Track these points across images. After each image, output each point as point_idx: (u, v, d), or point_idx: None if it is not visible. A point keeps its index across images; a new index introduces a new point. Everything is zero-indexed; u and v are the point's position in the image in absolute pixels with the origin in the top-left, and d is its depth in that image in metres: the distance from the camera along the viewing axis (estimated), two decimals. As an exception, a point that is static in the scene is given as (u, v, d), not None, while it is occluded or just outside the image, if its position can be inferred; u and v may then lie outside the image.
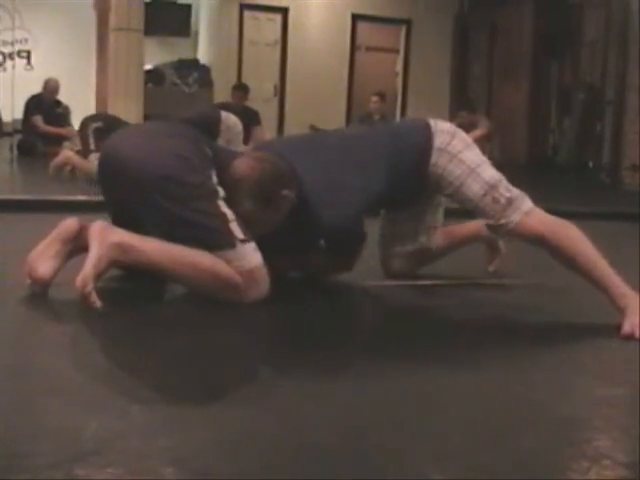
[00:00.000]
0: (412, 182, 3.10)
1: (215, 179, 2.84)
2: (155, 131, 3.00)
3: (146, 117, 6.34)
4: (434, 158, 3.04)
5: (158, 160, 2.81)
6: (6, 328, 2.61)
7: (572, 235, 2.85)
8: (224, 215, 2.78)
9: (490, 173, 3.03)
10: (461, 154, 3.05)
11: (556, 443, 1.78)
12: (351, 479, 1.54)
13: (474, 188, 2.97)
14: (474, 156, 3.07)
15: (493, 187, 2.97)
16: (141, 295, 3.00)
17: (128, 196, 2.85)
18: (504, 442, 1.76)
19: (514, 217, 2.92)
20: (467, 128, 9.21)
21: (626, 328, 2.59)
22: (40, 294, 2.83)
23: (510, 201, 2.94)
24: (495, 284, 3.51)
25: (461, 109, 9.90)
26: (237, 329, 2.69)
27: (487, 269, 3.62)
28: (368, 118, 10.40)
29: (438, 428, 1.84)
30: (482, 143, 9.27)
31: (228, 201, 2.81)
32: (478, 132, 9.16)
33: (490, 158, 10.45)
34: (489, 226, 3.03)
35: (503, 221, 2.93)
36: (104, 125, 6.26)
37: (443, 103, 13.56)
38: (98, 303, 2.63)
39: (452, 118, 11.25)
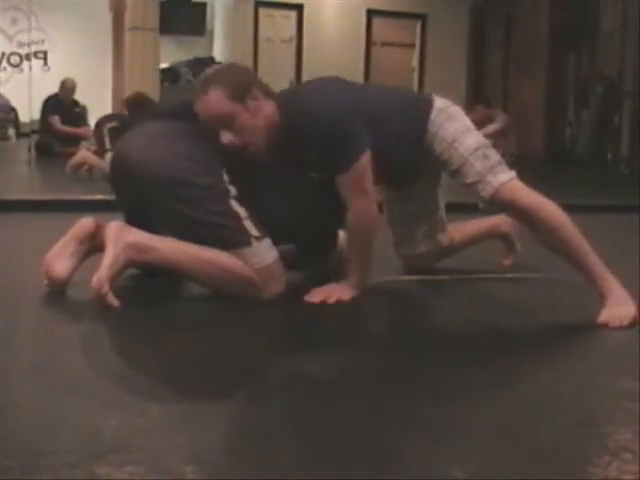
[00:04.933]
0: (411, 137, 3.01)
1: (226, 178, 2.84)
2: (165, 133, 2.98)
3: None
4: (433, 115, 3.02)
5: (168, 163, 2.81)
6: (25, 328, 2.63)
7: (558, 213, 2.81)
8: (237, 214, 2.79)
9: (482, 137, 3.06)
10: (459, 116, 3.07)
11: (577, 438, 1.76)
12: (372, 478, 1.53)
13: (467, 142, 2.96)
14: (468, 121, 3.09)
15: (486, 146, 3.00)
16: (158, 294, 3.00)
17: (140, 199, 2.85)
18: (524, 437, 1.75)
19: (501, 177, 2.90)
20: (483, 122, 9.26)
21: (602, 318, 2.61)
22: (58, 294, 2.85)
23: (499, 162, 2.96)
24: (511, 278, 3.49)
25: (478, 103, 9.87)
26: (253, 328, 2.68)
27: (502, 263, 3.63)
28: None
29: (458, 425, 1.83)
30: (498, 138, 9.27)
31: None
32: (494, 126, 9.14)
33: (507, 153, 10.48)
34: (473, 184, 2.93)
35: (490, 178, 2.90)
36: (119, 124, 6.30)
37: (459, 98, 13.49)
38: (115, 303, 2.65)
39: (468, 112, 11.21)
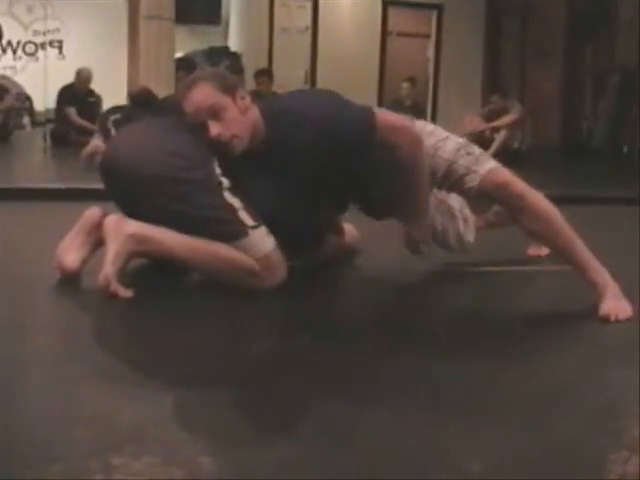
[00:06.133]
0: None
1: (218, 170, 2.82)
2: (154, 130, 2.97)
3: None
4: None
5: (157, 162, 2.79)
6: (39, 318, 2.64)
7: (547, 201, 2.82)
8: (231, 205, 2.78)
9: (460, 139, 3.11)
10: (435, 130, 3.11)
11: (595, 432, 1.75)
12: (392, 472, 1.53)
13: (448, 147, 3.02)
14: (444, 132, 3.13)
15: (465, 145, 3.06)
16: (168, 284, 3.00)
17: (133, 199, 2.84)
18: (541, 431, 1.74)
19: (488, 164, 2.96)
20: (499, 113, 9.21)
21: (602, 312, 2.63)
22: (71, 284, 2.86)
23: (483, 154, 3.04)
24: (533, 270, 3.48)
25: (494, 94, 9.81)
26: (263, 316, 2.70)
27: (527, 252, 3.61)
28: (399, 104, 10.35)
29: (474, 418, 1.82)
30: (514, 129, 9.22)
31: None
32: (510, 117, 9.07)
33: (523, 143, 10.41)
34: (460, 178, 2.96)
35: (476, 167, 2.94)
36: (122, 116, 6.30)
37: (475, 88, 13.45)
38: (128, 294, 2.67)
39: (484, 103, 11.18)
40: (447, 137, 3.07)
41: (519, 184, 2.87)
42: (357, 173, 2.99)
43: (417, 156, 2.91)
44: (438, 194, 3.29)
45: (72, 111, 9.52)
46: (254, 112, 2.85)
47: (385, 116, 2.86)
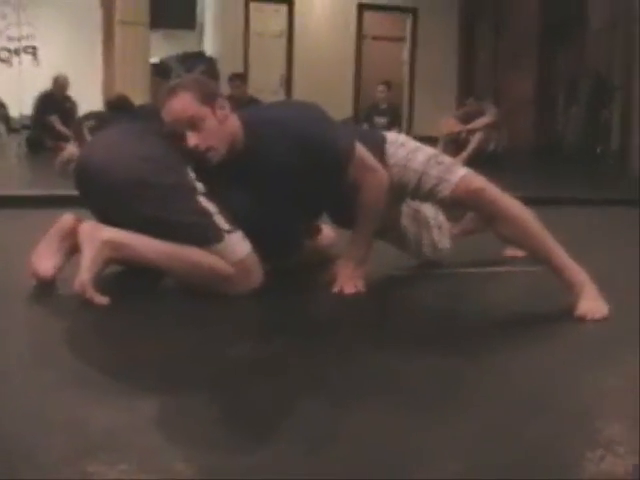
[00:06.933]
0: None
1: (192, 175, 2.81)
2: (126, 135, 2.96)
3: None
4: (387, 148, 3.11)
5: (129, 166, 2.78)
6: (13, 324, 2.61)
7: (520, 205, 2.84)
8: (207, 210, 2.77)
9: (431, 150, 3.14)
10: (407, 142, 3.16)
11: (569, 432, 1.76)
12: (372, 464, 1.53)
13: (419, 158, 3.05)
14: (416, 143, 3.17)
15: (435, 155, 3.09)
16: (142, 290, 2.98)
17: (107, 205, 2.83)
18: (516, 431, 1.74)
19: (459, 172, 2.96)
20: (474, 116, 9.26)
21: (579, 312, 2.66)
22: (46, 290, 2.84)
23: (453, 163, 3.05)
24: (509, 271, 3.50)
25: (469, 97, 9.86)
26: (237, 322, 2.69)
27: (503, 253, 3.64)
28: (375, 108, 10.38)
29: (447, 420, 1.83)
30: (489, 131, 9.27)
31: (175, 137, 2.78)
32: (486, 119, 9.12)
33: (498, 146, 10.48)
34: (433, 188, 2.98)
35: (448, 176, 2.96)
36: (97, 122, 6.27)
37: (450, 92, 13.52)
38: (104, 301, 2.66)
39: (459, 106, 11.23)
40: (418, 148, 3.10)
41: (492, 190, 2.88)
42: (334, 187, 3.00)
43: (377, 204, 2.98)
44: (412, 203, 3.31)
45: (56, 119, 9.42)
46: (233, 121, 2.85)
47: (362, 152, 2.92)
